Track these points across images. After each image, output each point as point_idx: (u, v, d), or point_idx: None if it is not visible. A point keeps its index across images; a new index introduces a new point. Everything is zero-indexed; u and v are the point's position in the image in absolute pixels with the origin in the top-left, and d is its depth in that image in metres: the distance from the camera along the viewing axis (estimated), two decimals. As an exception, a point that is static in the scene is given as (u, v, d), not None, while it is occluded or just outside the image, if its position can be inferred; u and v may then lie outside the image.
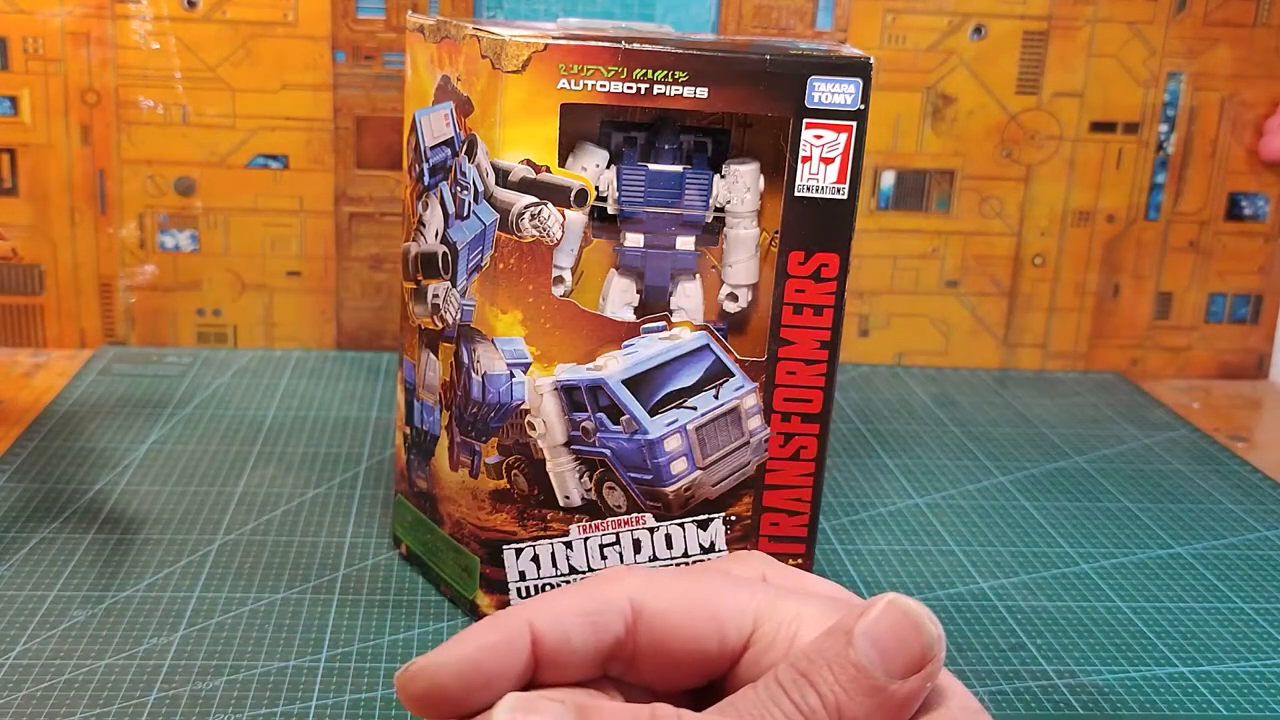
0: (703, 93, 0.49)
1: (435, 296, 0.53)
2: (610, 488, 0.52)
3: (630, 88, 0.48)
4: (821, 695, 0.29)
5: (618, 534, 0.52)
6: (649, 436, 0.51)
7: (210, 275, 0.84)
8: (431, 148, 0.52)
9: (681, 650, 0.32)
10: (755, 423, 0.52)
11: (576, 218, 0.51)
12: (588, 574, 0.53)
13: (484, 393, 0.50)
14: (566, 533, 0.52)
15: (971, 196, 0.86)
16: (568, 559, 0.52)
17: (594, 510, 0.52)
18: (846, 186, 0.50)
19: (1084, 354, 0.90)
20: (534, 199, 0.49)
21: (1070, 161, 0.86)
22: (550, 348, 0.50)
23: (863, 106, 0.50)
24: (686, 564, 0.53)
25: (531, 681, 0.31)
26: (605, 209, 0.53)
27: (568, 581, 0.53)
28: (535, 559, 0.52)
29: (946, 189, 0.86)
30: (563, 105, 0.48)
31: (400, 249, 0.61)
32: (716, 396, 0.52)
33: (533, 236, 0.49)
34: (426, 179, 0.53)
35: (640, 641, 0.32)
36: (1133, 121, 0.86)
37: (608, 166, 0.53)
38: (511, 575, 0.52)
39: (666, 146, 0.53)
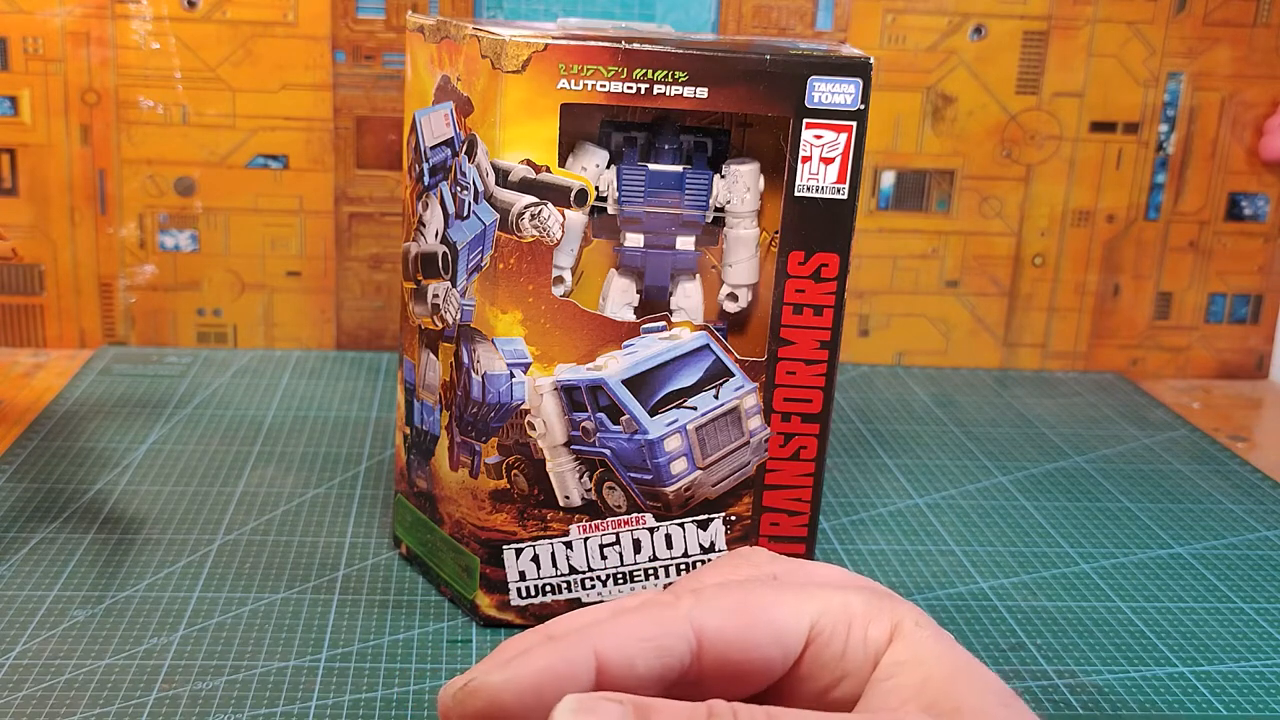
0: (703, 93, 0.49)
1: (435, 296, 0.53)
2: (610, 488, 0.52)
3: (630, 88, 0.48)
4: None
5: (618, 534, 0.52)
6: (649, 436, 0.51)
7: (210, 275, 0.84)
8: (431, 148, 0.52)
9: (746, 661, 0.32)
10: (755, 423, 0.52)
11: (576, 218, 0.51)
12: (589, 574, 0.53)
13: (484, 393, 0.50)
14: (566, 533, 0.52)
15: (971, 196, 0.86)
16: (568, 559, 0.52)
17: (594, 510, 0.52)
18: (846, 186, 0.50)
19: (1084, 354, 0.90)
20: (534, 199, 0.49)
21: (1070, 161, 0.86)
22: (550, 348, 0.50)
23: (863, 106, 0.50)
24: (686, 564, 0.53)
25: None
26: (605, 209, 0.53)
27: (568, 582, 0.53)
28: (535, 559, 0.52)
29: (946, 189, 0.86)
30: (563, 105, 0.48)
31: (400, 249, 0.61)
32: (716, 396, 0.52)
33: (533, 236, 0.49)
34: (426, 179, 0.53)
35: (706, 662, 0.32)
36: (1133, 121, 0.86)
37: (608, 166, 0.53)
38: (511, 575, 0.52)
39: (666, 146, 0.53)
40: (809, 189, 0.50)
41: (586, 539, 0.52)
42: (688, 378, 0.51)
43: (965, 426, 0.78)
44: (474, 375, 0.51)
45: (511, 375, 0.50)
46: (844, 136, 0.50)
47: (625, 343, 0.51)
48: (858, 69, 0.49)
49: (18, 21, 0.79)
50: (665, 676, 0.31)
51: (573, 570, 0.52)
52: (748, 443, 0.52)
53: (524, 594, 0.52)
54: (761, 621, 0.32)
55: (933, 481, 0.70)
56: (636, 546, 0.52)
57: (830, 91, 0.49)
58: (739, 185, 0.53)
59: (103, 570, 0.56)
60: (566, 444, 0.51)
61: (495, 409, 0.50)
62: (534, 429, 0.51)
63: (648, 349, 0.51)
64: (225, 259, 0.84)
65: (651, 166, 0.53)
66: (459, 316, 0.51)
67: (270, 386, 0.79)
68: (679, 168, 0.53)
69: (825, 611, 0.32)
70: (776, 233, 0.51)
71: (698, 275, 0.55)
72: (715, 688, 0.32)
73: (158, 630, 0.52)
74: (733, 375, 0.52)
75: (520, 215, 0.49)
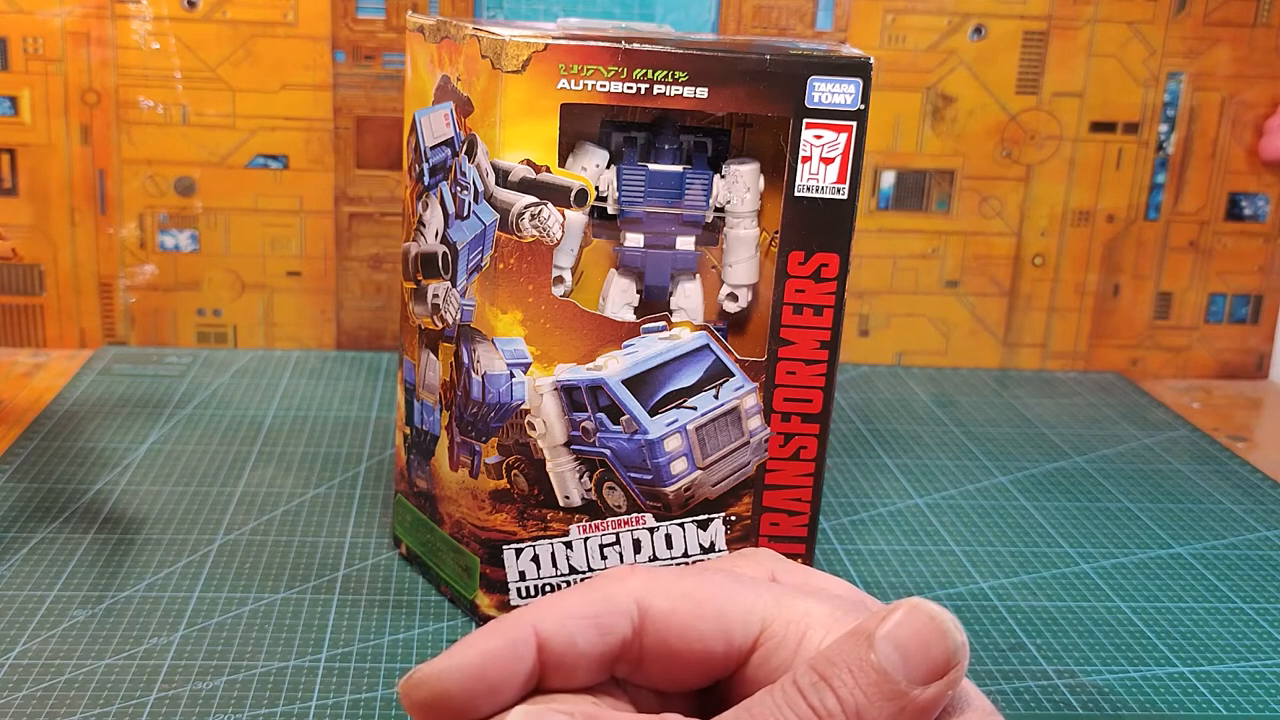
0: (703, 93, 0.49)
1: (435, 296, 0.53)
2: (610, 488, 0.52)
3: (630, 88, 0.48)
4: (840, 699, 0.29)
5: (618, 534, 0.52)
6: (649, 436, 0.51)
7: (210, 275, 0.84)
8: (431, 148, 0.52)
9: (687, 650, 0.32)
10: (755, 423, 0.52)
11: (576, 218, 0.51)
12: (588, 574, 0.53)
13: (484, 393, 0.50)
14: (566, 533, 0.52)
15: (971, 196, 0.86)
16: (568, 559, 0.52)
17: (594, 510, 0.52)
18: (846, 186, 0.50)
19: (1084, 354, 0.90)
20: (534, 199, 0.49)
21: (1070, 161, 0.86)
22: (550, 348, 0.50)
23: (863, 106, 0.50)
24: (688, 563, 0.53)
25: (537, 686, 0.31)
26: (605, 209, 0.53)
27: (568, 582, 0.53)
28: (535, 559, 0.52)
29: (946, 189, 0.86)
30: (563, 105, 0.48)
31: (400, 249, 0.61)
32: (716, 396, 0.52)
33: (533, 236, 0.49)
34: (426, 179, 0.53)
35: (646, 642, 0.32)
36: (1133, 121, 0.86)
37: (608, 166, 0.53)
38: (511, 575, 0.52)
39: (666, 146, 0.53)
40: (809, 189, 0.50)
41: (586, 539, 0.52)
42: (688, 378, 0.51)
43: (965, 426, 0.78)
44: (474, 375, 0.51)
45: (511, 375, 0.50)
46: (844, 136, 0.50)
47: (625, 343, 0.51)
48: (858, 69, 0.49)
49: (18, 21, 0.79)
50: (607, 653, 0.31)
51: (573, 570, 0.52)
52: (748, 443, 0.52)
53: (524, 594, 0.52)
54: (709, 611, 0.32)
55: (933, 481, 0.70)
56: (636, 546, 0.52)
57: (830, 91, 0.49)
58: (739, 185, 0.53)
59: (103, 570, 0.56)
60: (566, 444, 0.51)
61: (495, 409, 0.50)
62: (534, 429, 0.51)
63: (648, 349, 0.51)
64: (225, 259, 0.84)
65: (651, 166, 0.53)
66: (459, 316, 0.51)
67: (270, 386, 0.79)
68: (679, 168, 0.53)
69: (780, 615, 0.32)
70: (776, 233, 0.51)
71: (698, 275, 0.55)
72: (655, 671, 0.32)
73: (158, 630, 0.52)
74: (733, 375, 0.52)
75: (520, 215, 0.49)
